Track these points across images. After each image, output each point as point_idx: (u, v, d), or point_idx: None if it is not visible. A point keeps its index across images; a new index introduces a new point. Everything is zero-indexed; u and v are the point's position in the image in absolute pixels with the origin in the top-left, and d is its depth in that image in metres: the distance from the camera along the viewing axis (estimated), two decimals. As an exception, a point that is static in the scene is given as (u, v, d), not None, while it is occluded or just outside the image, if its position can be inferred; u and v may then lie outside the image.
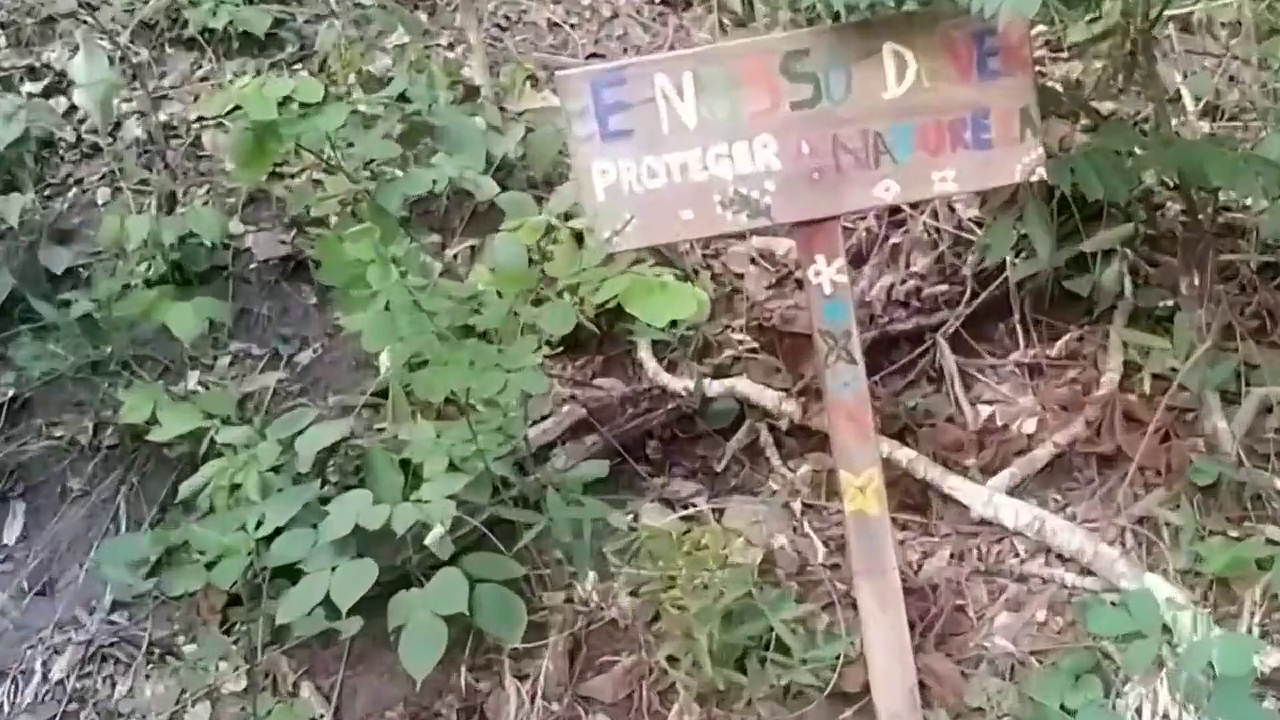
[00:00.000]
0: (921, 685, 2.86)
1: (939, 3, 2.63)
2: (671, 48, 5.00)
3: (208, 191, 4.22)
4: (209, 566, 2.97)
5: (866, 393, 2.81)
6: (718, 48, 2.84)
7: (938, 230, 4.03)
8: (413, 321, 2.48)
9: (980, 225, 3.95)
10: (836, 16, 2.68)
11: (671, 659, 2.90)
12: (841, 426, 2.80)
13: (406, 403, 2.93)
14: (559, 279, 2.64)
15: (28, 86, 4.56)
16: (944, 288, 3.89)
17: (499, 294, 2.63)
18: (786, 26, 2.86)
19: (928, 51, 2.66)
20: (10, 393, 3.70)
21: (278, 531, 2.95)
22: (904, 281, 3.95)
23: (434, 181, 3.42)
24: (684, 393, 3.61)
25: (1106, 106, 3.84)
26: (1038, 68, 4.52)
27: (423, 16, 4.98)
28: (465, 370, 2.49)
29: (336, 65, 4.11)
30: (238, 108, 3.23)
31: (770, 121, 2.68)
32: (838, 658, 2.87)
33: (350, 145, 3.48)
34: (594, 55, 4.99)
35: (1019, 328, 3.76)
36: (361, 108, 3.57)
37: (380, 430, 3.29)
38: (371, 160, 3.69)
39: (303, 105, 3.21)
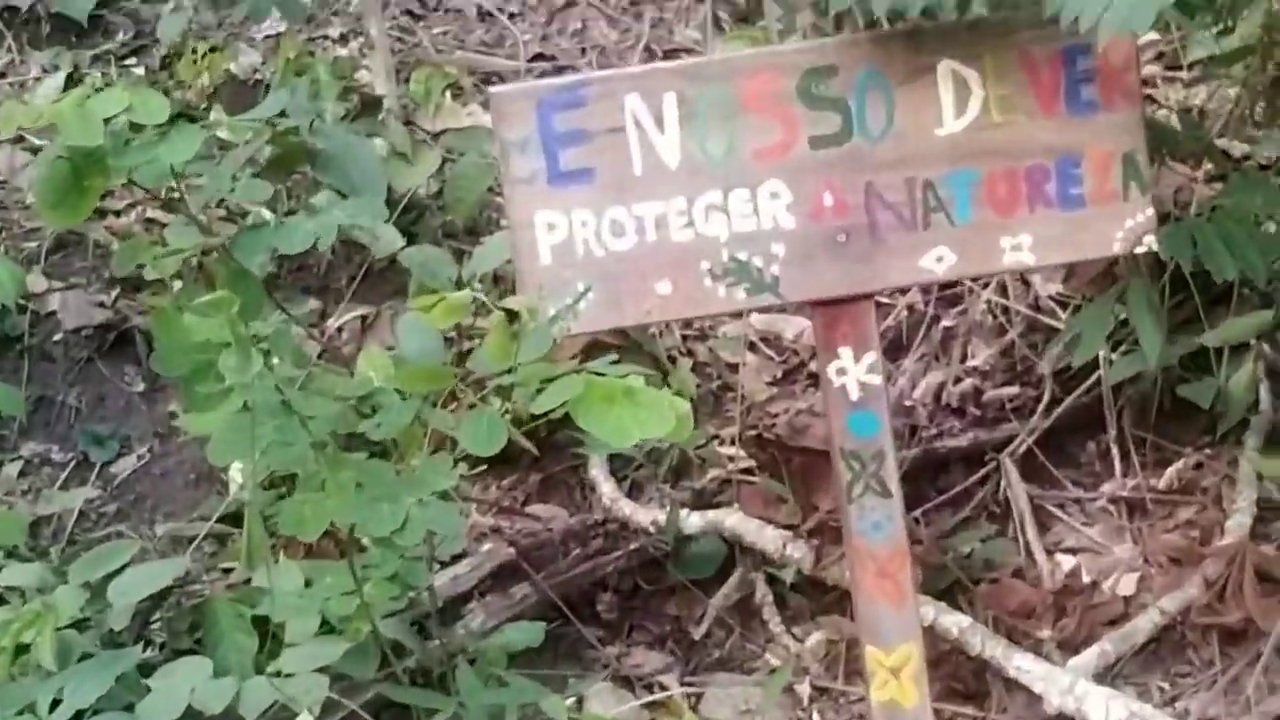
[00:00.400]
0: None
1: (1016, 9, 2.66)
2: (648, 50, 5.09)
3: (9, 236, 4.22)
4: None
5: (904, 538, 2.82)
6: (712, 61, 2.87)
7: (1006, 311, 4.06)
8: (280, 428, 2.46)
9: (1064, 305, 3.99)
10: (874, 23, 2.69)
11: None
12: (869, 584, 2.80)
13: (265, 537, 2.89)
14: (486, 378, 2.62)
15: None
16: (1013, 390, 3.91)
17: (401, 394, 2.61)
18: (808, 33, 2.86)
19: (999, 73, 2.69)
20: None
21: (80, 715, 2.88)
22: (959, 380, 3.97)
23: (315, 236, 3.40)
24: (652, 528, 3.60)
25: (1239, 148, 3.87)
26: (1147, 92, 4.59)
27: None
28: (350, 498, 2.48)
29: (186, 69, 4.10)
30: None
31: (782, 163, 2.71)
32: None
33: (199, 177, 3.45)
34: (540, 57, 5.06)
35: (1115, 449, 3.75)
36: (222, 133, 3.54)
37: (227, 573, 3.26)
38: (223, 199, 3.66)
39: (135, 126, 3.19)
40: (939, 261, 2.74)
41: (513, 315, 2.81)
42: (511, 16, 5.19)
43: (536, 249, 2.73)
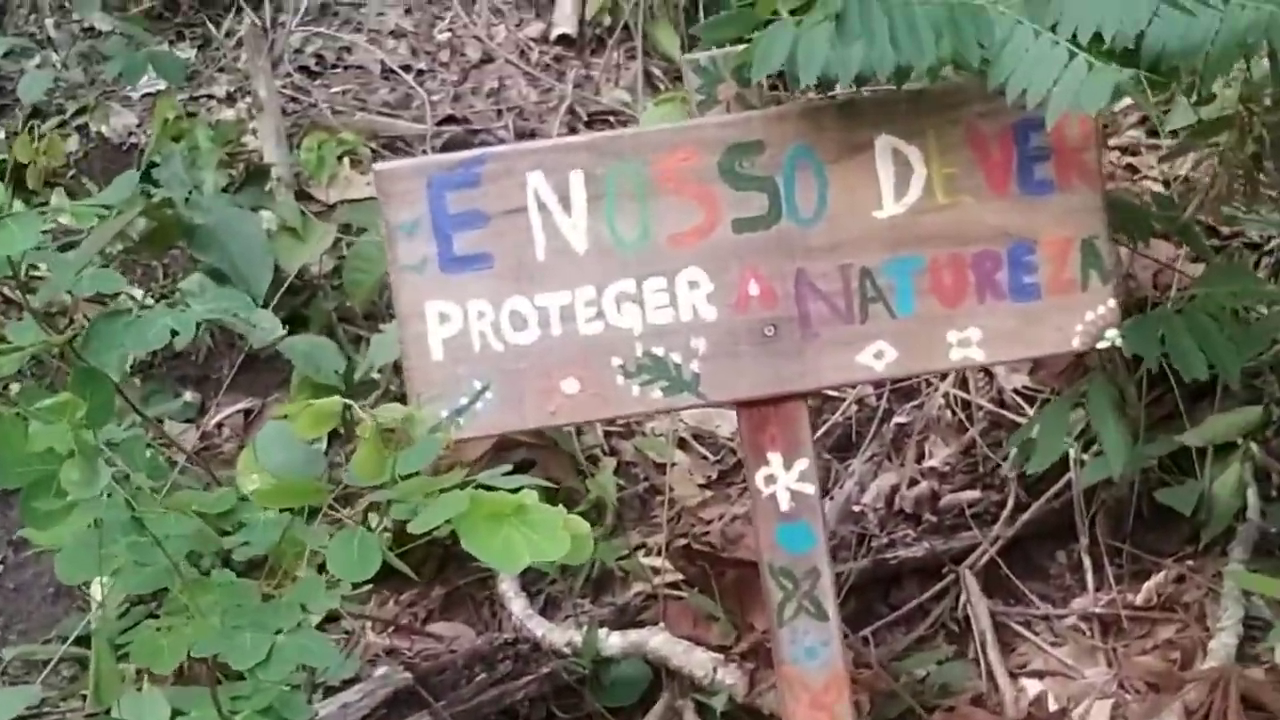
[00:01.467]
0: None
1: (961, 80, 2.69)
2: (572, 113, 5.12)
3: None
4: None
5: (842, 664, 2.83)
6: (624, 135, 2.91)
7: (966, 406, 4.10)
8: (134, 547, 2.45)
9: (1031, 400, 4.02)
10: (794, 84, 2.67)
11: None
12: (803, 716, 2.80)
13: (115, 667, 2.87)
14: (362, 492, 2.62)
15: None
16: (975, 494, 3.95)
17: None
18: (731, 105, 2.87)
19: (943, 151, 2.72)
20: None
21: None
22: (914, 483, 4.00)
23: (174, 332, 3.37)
24: (568, 650, 3.59)
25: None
26: (1128, 160, 4.63)
27: (190, 53, 5.04)
28: (212, 627, 2.47)
29: (23, 149, 4.11)
30: None
31: (702, 248, 2.73)
32: None
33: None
34: (451, 120, 5.10)
35: (1087, 560, 3.78)
36: (65, 217, 3.54)
37: (84, 700, 3.25)
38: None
39: None
40: (878, 358, 2.76)
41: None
42: (420, 74, 5.23)
43: (427, 343, 2.74)
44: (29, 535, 2.78)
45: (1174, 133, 4.23)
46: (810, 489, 2.78)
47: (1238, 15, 2.51)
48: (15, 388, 3.25)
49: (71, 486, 2.40)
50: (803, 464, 2.77)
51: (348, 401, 2.83)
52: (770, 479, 2.78)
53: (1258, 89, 3.25)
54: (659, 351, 2.73)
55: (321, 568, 2.69)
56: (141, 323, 3.14)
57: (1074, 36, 2.45)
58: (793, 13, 2.88)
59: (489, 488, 2.48)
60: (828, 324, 2.74)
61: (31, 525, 2.65)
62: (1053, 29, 2.48)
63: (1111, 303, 2.74)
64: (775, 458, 2.77)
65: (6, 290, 3.66)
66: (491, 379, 2.73)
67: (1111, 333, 2.75)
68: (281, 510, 2.62)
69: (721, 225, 2.72)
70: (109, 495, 2.43)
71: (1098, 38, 2.45)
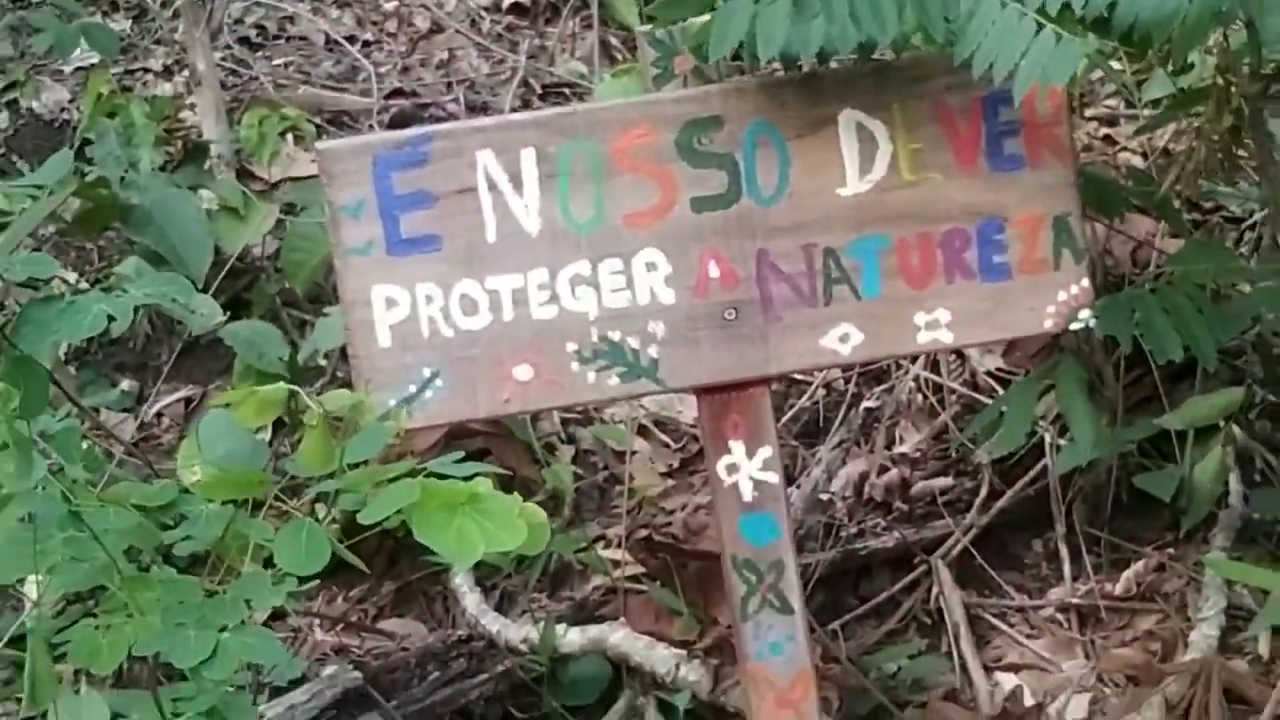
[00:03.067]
0: None
1: (926, 53, 2.71)
2: (525, 85, 5.14)
3: None
4: None
5: (808, 659, 2.85)
6: (577, 111, 2.91)
7: (938, 389, 4.12)
8: (70, 542, 2.46)
9: (1005, 382, 4.02)
10: (752, 64, 2.69)
11: None
12: (767, 714, 2.83)
13: (51, 667, 2.86)
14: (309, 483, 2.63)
15: None
16: (947, 481, 3.97)
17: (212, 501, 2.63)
18: (688, 80, 2.89)
19: (910, 126, 2.76)
20: None
21: None
22: (884, 470, 4.01)
23: (110, 318, 3.37)
24: (524, 646, 3.60)
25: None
26: (1105, 131, 4.65)
27: (124, 25, 5.05)
28: (153, 625, 2.48)
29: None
30: None
31: (660, 228, 2.76)
32: None
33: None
34: (399, 94, 5.11)
35: (1064, 549, 3.80)
36: None
37: (19, 703, 3.26)
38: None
39: None
40: (843, 341, 2.79)
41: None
42: (366, 45, 5.22)
43: (374, 329, 2.75)
44: None
45: (1154, 103, 4.25)
46: (774, 478, 2.80)
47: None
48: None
49: (5, 479, 2.42)
50: (766, 452, 2.80)
51: (293, 388, 2.86)
52: (732, 468, 2.80)
53: (1236, 58, 3.28)
54: (615, 336, 2.74)
55: (267, 562, 2.70)
56: (76, 308, 3.14)
57: (1042, 7, 2.47)
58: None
59: (441, 476, 2.51)
60: (791, 306, 2.76)
61: None
62: (1020, 0, 2.52)
63: (1085, 282, 2.78)
64: (737, 446, 2.79)
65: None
66: (441, 366, 2.75)
67: (1085, 313, 2.78)
68: (225, 503, 2.63)
69: (679, 205, 2.74)
70: (44, 488, 2.45)
71: (1067, 8, 2.46)
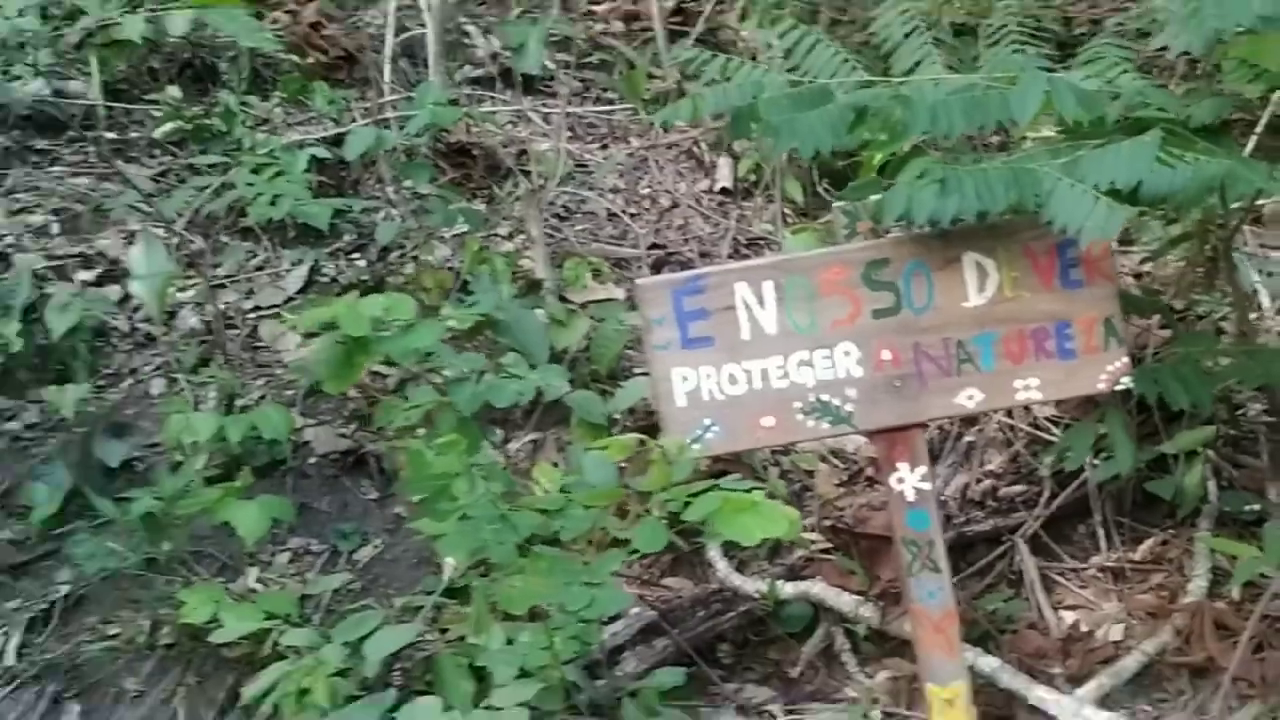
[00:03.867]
0: None
1: (1020, 217, 2.74)
2: (735, 240, 5.13)
3: (266, 384, 4.33)
4: None
5: (953, 603, 2.88)
6: (798, 257, 2.95)
7: (1012, 428, 4.09)
8: (495, 532, 2.57)
9: (1056, 423, 4.02)
10: (908, 224, 2.80)
11: None
12: (927, 639, 2.87)
13: (486, 610, 2.95)
14: (649, 495, 2.73)
15: (81, 275, 4.64)
16: (1021, 488, 3.94)
17: (585, 506, 2.72)
18: (866, 235, 2.98)
19: (1009, 261, 2.79)
20: (66, 590, 3.72)
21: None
22: (979, 481, 4.00)
23: (519, 394, 3.49)
24: (756, 595, 3.62)
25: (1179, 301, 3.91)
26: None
27: (481, 206, 5.12)
28: (552, 584, 2.58)
29: (428, 277, 4.24)
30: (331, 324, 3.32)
31: (852, 329, 2.80)
32: None
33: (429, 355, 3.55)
34: (655, 246, 5.10)
35: (1100, 530, 3.78)
36: (451, 322, 3.66)
37: (444, 633, 3.35)
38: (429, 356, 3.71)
39: (382, 320, 3.33)
40: (970, 399, 2.84)
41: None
42: (632, 216, 5.23)
43: (673, 396, 2.82)
44: (418, 526, 2.89)
45: (1146, 241, 4.24)
46: (928, 486, 2.85)
47: (1205, 167, 2.57)
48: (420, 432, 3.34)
49: (460, 494, 2.53)
50: (922, 470, 2.84)
51: (641, 437, 2.95)
52: (900, 480, 2.84)
53: (1213, 212, 3.30)
54: (825, 398, 2.80)
55: (615, 543, 2.81)
56: (498, 387, 3.26)
57: (1096, 186, 2.53)
58: (881, 170, 2.98)
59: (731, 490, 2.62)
60: (935, 378, 2.81)
61: (423, 518, 2.76)
62: (1081, 180, 2.57)
63: (1125, 359, 2.81)
64: (904, 466, 2.83)
65: (411, 369, 3.76)
66: (716, 418, 2.81)
67: (1126, 379, 2.82)
68: (588, 508, 2.74)
69: (863, 315, 2.80)
70: (479, 499, 2.56)
71: (1112, 187, 2.53)
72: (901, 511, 2.86)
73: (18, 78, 4.57)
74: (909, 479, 2.85)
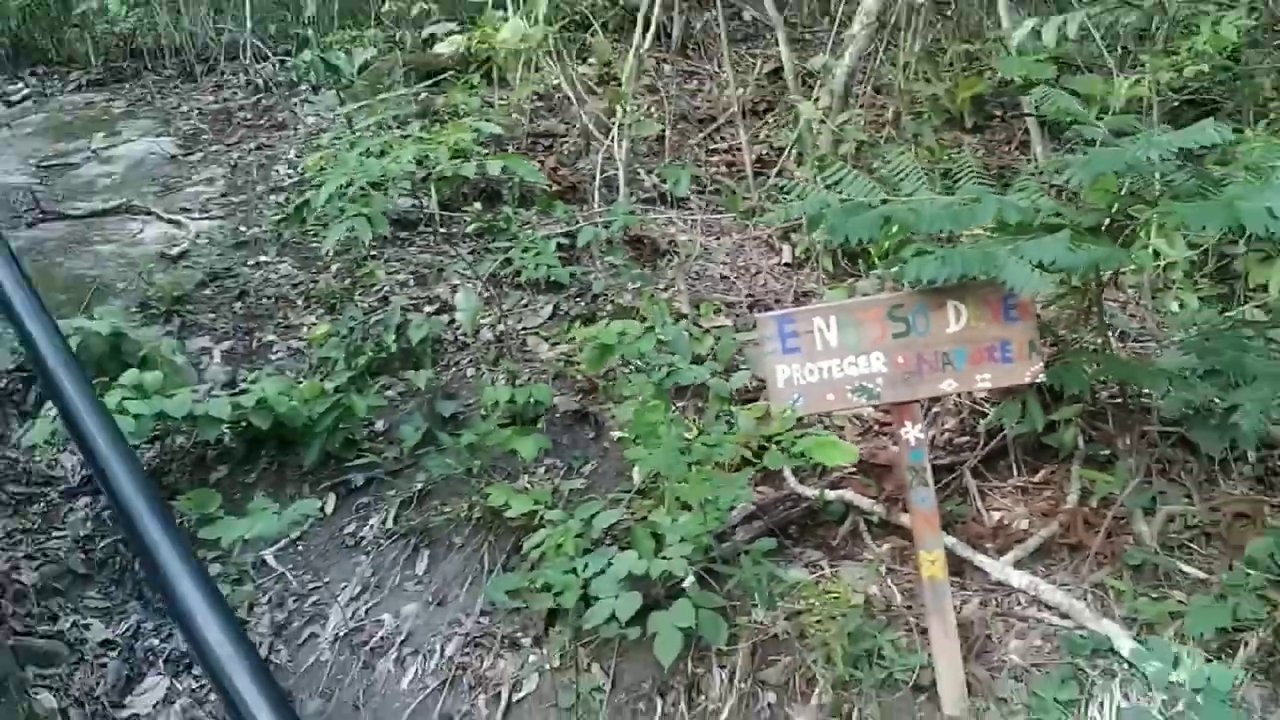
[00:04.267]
0: (968, 684, 2.85)
1: (981, 280, 2.68)
2: (795, 292, 5.04)
3: (531, 371, 4.37)
4: (556, 594, 2.94)
5: (935, 504, 2.83)
6: (848, 303, 2.88)
7: (959, 403, 4.00)
8: (678, 455, 2.58)
9: (987, 401, 3.91)
10: (916, 283, 2.73)
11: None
12: (920, 525, 2.82)
13: (672, 501, 2.95)
14: (771, 437, 2.72)
15: (427, 309, 4.80)
16: (966, 438, 3.85)
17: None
18: (886, 289, 2.94)
19: (974, 305, 2.72)
20: (420, 486, 3.82)
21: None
22: (942, 433, 3.92)
23: (694, 378, 3.48)
24: (811, 498, 3.56)
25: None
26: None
27: (649, 272, 5.13)
28: (709, 487, 2.60)
29: (649, 311, 4.20)
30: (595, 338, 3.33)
31: (880, 344, 2.76)
32: (920, 666, 2.87)
33: (642, 356, 3.56)
34: (750, 295, 5.01)
35: (1014, 465, 3.68)
36: (661, 336, 3.65)
37: (634, 515, 3.37)
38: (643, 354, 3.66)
39: (622, 334, 3.34)
40: (949, 385, 2.78)
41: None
42: (735, 278, 5.16)
43: (777, 381, 2.79)
44: (631, 454, 2.88)
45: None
46: (923, 435, 2.79)
47: (1093, 252, 2.53)
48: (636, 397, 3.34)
49: (663, 436, 2.51)
50: (920, 426, 2.78)
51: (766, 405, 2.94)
52: (906, 431, 2.79)
53: (1089, 277, 3.21)
54: (865, 384, 2.76)
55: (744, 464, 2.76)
56: (681, 373, 3.22)
57: (1040, 262, 2.49)
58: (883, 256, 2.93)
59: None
60: (930, 373, 2.76)
61: (626, 448, 2.74)
62: (1022, 258, 2.53)
63: (1040, 364, 2.74)
64: (909, 424, 2.78)
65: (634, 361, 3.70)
66: (801, 394, 2.78)
67: (1040, 375, 2.76)
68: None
69: (887, 336, 2.75)
70: (673, 439, 2.55)
71: (1041, 262, 2.49)
72: (906, 451, 2.81)
73: (398, 196, 4.68)
74: (912, 431, 2.80)
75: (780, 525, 3.51)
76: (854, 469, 3.73)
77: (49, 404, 3.83)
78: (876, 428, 4.07)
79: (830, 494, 3.58)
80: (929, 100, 6.23)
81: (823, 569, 3.35)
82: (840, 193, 3.04)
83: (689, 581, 2.85)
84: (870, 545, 3.49)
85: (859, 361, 2.78)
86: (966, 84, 6.25)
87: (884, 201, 2.92)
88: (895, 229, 2.79)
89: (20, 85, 7.81)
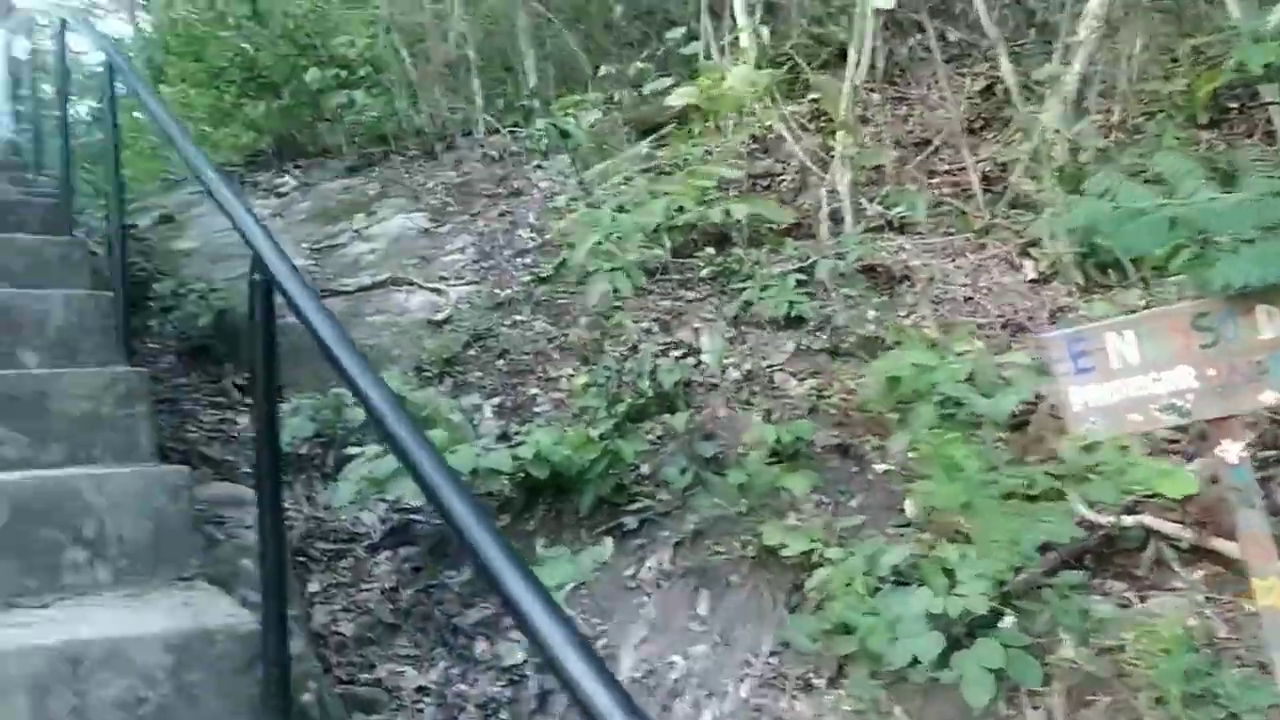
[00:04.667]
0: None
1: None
2: (1049, 309, 4.77)
3: (782, 408, 4.35)
4: (860, 635, 2.89)
5: (1267, 526, 2.59)
6: (1145, 315, 2.75)
7: (1255, 414, 3.57)
8: (982, 487, 2.50)
9: None
10: (1225, 289, 2.52)
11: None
12: (1251, 550, 2.58)
13: (979, 536, 2.84)
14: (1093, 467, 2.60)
15: (674, 353, 4.87)
16: (1271, 452, 3.45)
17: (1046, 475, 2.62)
18: (1187, 297, 2.74)
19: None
20: (692, 527, 3.85)
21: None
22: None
23: (991, 408, 3.33)
24: (1107, 525, 3.34)
25: None
26: None
27: (887, 299, 5.04)
28: (1018, 522, 2.49)
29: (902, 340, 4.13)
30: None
31: (1187, 357, 2.59)
32: (1268, 706, 2.62)
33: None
34: (999, 315, 4.79)
35: None
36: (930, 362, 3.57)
37: (922, 550, 3.28)
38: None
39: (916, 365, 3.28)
40: (1269, 396, 2.56)
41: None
42: (979, 298, 4.95)
43: (1071, 404, 2.68)
44: (916, 487, 2.81)
45: None
46: (1245, 453, 2.57)
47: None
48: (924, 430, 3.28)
49: (966, 467, 2.45)
50: (1240, 443, 2.58)
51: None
52: (1225, 450, 2.58)
53: None
54: (1174, 401, 2.59)
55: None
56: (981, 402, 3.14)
57: None
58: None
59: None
60: (1244, 384, 2.55)
61: (932, 483, 2.69)
62: None
63: None
64: (1226, 441, 2.58)
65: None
66: (1099, 416, 2.65)
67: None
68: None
69: (1194, 347, 2.58)
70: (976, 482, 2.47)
71: None
72: (1227, 471, 2.60)
73: (638, 248, 4.84)
74: (1231, 449, 2.59)
75: (1075, 555, 3.30)
76: (1150, 492, 3.47)
77: (348, 467, 4.18)
78: (1166, 446, 3.78)
79: (1127, 519, 3.34)
80: (1166, 99, 5.82)
81: (1131, 601, 3.14)
82: (1111, 199, 2.88)
83: (1009, 621, 2.73)
84: (1179, 574, 3.23)
85: (1164, 377, 2.60)
86: (1206, 77, 5.77)
87: (1160, 206, 2.74)
88: (1181, 234, 2.60)
89: (286, 178, 8.68)
